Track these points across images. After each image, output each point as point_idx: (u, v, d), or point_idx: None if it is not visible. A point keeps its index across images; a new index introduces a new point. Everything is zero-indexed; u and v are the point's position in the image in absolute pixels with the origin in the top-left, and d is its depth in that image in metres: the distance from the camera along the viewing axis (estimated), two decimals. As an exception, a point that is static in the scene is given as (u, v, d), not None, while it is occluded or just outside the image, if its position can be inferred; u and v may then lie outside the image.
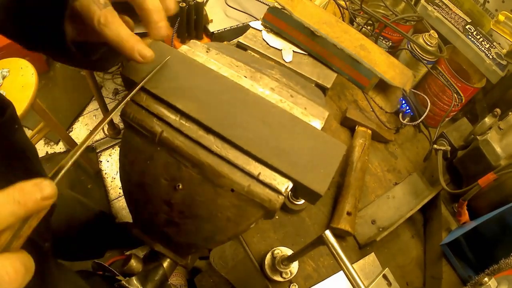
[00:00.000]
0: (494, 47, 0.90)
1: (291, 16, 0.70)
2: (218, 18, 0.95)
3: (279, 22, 0.72)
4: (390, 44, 1.00)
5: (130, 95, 0.41)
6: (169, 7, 0.40)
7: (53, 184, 0.28)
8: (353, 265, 0.47)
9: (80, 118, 2.02)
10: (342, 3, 0.92)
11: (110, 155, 1.92)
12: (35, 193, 0.27)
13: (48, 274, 0.46)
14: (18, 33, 0.41)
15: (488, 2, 0.95)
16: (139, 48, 0.38)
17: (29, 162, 0.54)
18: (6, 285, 0.25)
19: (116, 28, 0.37)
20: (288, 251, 0.68)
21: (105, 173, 1.86)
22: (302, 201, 0.72)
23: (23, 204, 0.26)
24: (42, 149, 1.91)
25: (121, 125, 1.96)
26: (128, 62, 0.42)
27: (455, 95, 0.88)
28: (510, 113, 0.75)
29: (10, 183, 0.27)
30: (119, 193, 1.80)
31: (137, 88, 0.41)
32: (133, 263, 0.49)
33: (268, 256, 0.67)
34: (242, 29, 0.91)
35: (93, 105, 2.05)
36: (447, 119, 0.97)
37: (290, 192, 0.42)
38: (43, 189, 0.27)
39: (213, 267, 0.91)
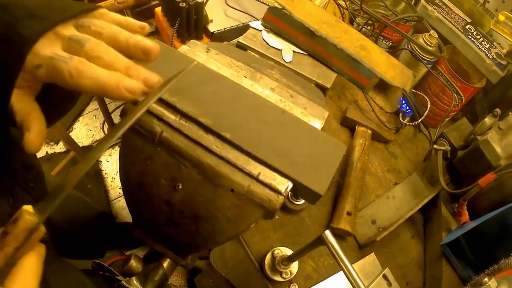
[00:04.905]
0: (494, 47, 0.90)
1: (291, 16, 0.70)
2: (218, 18, 0.95)
3: (279, 22, 0.72)
4: (390, 44, 1.00)
5: (154, 98, 0.37)
6: (146, 48, 0.36)
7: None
8: (353, 265, 0.47)
9: (80, 118, 2.02)
10: (342, 3, 0.92)
11: (110, 155, 1.92)
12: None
13: (47, 265, 0.46)
14: None
15: (488, 2, 0.95)
16: (125, 84, 0.34)
17: (24, 154, 0.54)
18: None
19: (92, 74, 0.34)
20: (288, 251, 0.68)
21: (105, 173, 1.86)
22: (302, 201, 0.72)
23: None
24: (42, 149, 1.91)
25: (121, 125, 1.96)
26: None
27: (455, 95, 0.88)
28: (510, 113, 0.75)
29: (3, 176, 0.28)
30: (119, 193, 1.80)
31: (162, 91, 0.38)
32: (133, 263, 0.49)
33: (268, 256, 0.67)
34: (242, 29, 0.91)
35: (93, 105, 2.05)
36: (447, 119, 0.97)
37: (290, 192, 0.42)
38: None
39: (213, 267, 0.91)
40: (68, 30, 0.36)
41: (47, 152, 1.90)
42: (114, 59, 0.35)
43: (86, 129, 1.99)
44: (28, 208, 0.30)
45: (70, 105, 0.47)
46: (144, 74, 0.36)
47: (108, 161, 1.90)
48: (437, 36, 0.88)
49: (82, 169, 0.35)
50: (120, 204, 1.77)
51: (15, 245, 0.28)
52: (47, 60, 0.34)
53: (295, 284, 0.68)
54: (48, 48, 0.34)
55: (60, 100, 0.39)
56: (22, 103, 0.36)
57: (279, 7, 0.71)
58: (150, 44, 0.37)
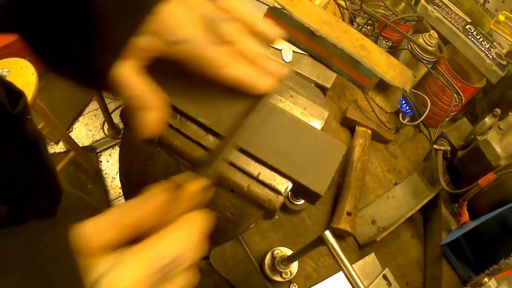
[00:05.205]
0: (494, 47, 0.90)
1: (291, 16, 0.70)
2: (218, 18, 0.95)
3: (279, 22, 0.72)
4: (390, 44, 1.00)
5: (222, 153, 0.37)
6: (269, 36, 0.37)
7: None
8: (353, 265, 0.47)
9: (80, 118, 2.02)
10: (342, 3, 0.92)
11: (110, 155, 1.93)
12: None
13: None
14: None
15: (488, 2, 0.95)
16: (262, 83, 0.37)
17: (39, 152, 0.53)
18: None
19: (235, 68, 0.35)
20: (288, 251, 0.68)
21: (105, 173, 1.86)
22: (302, 201, 0.72)
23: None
24: (42, 149, 1.91)
25: (121, 125, 1.96)
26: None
27: (455, 95, 0.88)
28: (510, 113, 0.75)
29: (22, 174, 0.27)
30: (119, 193, 1.81)
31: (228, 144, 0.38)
32: (133, 263, 0.49)
33: (268, 256, 0.67)
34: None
35: (93, 105, 2.06)
36: (447, 119, 0.97)
37: (290, 192, 0.42)
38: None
39: (213, 267, 0.91)
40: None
41: (47, 152, 1.90)
42: (250, 46, 0.36)
43: (86, 129, 2.00)
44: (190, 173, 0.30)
45: None
46: (276, 65, 0.38)
47: (108, 161, 1.90)
48: (437, 36, 0.88)
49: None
50: (120, 204, 1.77)
51: (190, 204, 0.29)
52: (189, 40, 0.32)
53: (295, 284, 0.67)
54: (188, 24, 0.33)
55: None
56: (139, 77, 0.33)
57: (279, 7, 0.71)
58: (274, 31, 0.38)
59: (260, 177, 0.41)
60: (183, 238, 0.27)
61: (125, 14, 0.30)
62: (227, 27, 0.35)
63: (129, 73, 0.32)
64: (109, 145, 1.95)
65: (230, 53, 0.35)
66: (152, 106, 0.34)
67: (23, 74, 1.31)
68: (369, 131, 0.87)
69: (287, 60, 0.68)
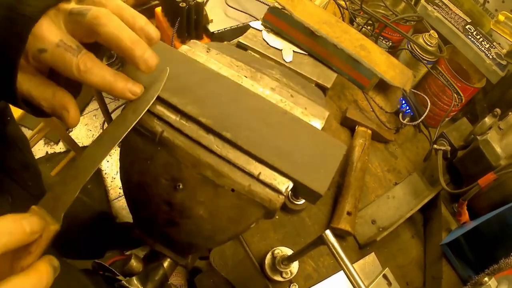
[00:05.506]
0: (494, 47, 0.90)
1: (291, 16, 0.70)
2: (218, 18, 0.95)
3: (279, 22, 0.72)
4: (390, 44, 1.00)
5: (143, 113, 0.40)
6: (150, 35, 0.37)
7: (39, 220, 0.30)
8: (353, 265, 0.47)
9: (80, 118, 2.02)
10: (342, 3, 0.92)
11: (110, 155, 1.92)
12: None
13: None
14: None
15: (488, 2, 0.95)
16: (129, 87, 0.37)
17: (21, 153, 0.53)
18: None
19: (99, 72, 0.34)
20: (288, 251, 0.68)
21: (105, 173, 1.86)
22: (302, 201, 0.72)
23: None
24: (42, 149, 1.91)
25: (121, 125, 1.96)
26: (127, 64, 0.41)
27: (455, 95, 0.88)
28: (510, 113, 0.75)
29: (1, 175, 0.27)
30: (119, 193, 1.80)
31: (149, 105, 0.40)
32: (133, 263, 0.49)
33: (268, 256, 0.67)
34: (242, 29, 0.91)
35: (93, 105, 2.06)
36: (447, 119, 0.97)
37: (290, 192, 0.42)
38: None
39: (213, 267, 0.91)
40: (70, 5, 0.35)
41: (47, 152, 1.91)
42: (120, 28, 0.35)
43: (86, 129, 2.00)
44: (40, 210, 0.32)
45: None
46: (148, 53, 0.36)
47: (108, 161, 1.90)
48: (437, 36, 0.88)
49: (83, 179, 0.39)
50: (120, 204, 1.77)
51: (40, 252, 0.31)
52: (53, 48, 0.33)
53: (295, 284, 0.68)
54: (53, 31, 0.33)
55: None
56: (41, 87, 0.35)
57: (279, 7, 0.71)
58: (154, 32, 0.37)
59: (261, 177, 0.41)
60: None
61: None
62: (94, 11, 0.34)
63: (31, 88, 0.35)
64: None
65: (93, 58, 0.34)
66: (67, 106, 0.36)
67: (23, 74, 1.31)
68: (369, 131, 0.87)
69: (287, 60, 0.68)
